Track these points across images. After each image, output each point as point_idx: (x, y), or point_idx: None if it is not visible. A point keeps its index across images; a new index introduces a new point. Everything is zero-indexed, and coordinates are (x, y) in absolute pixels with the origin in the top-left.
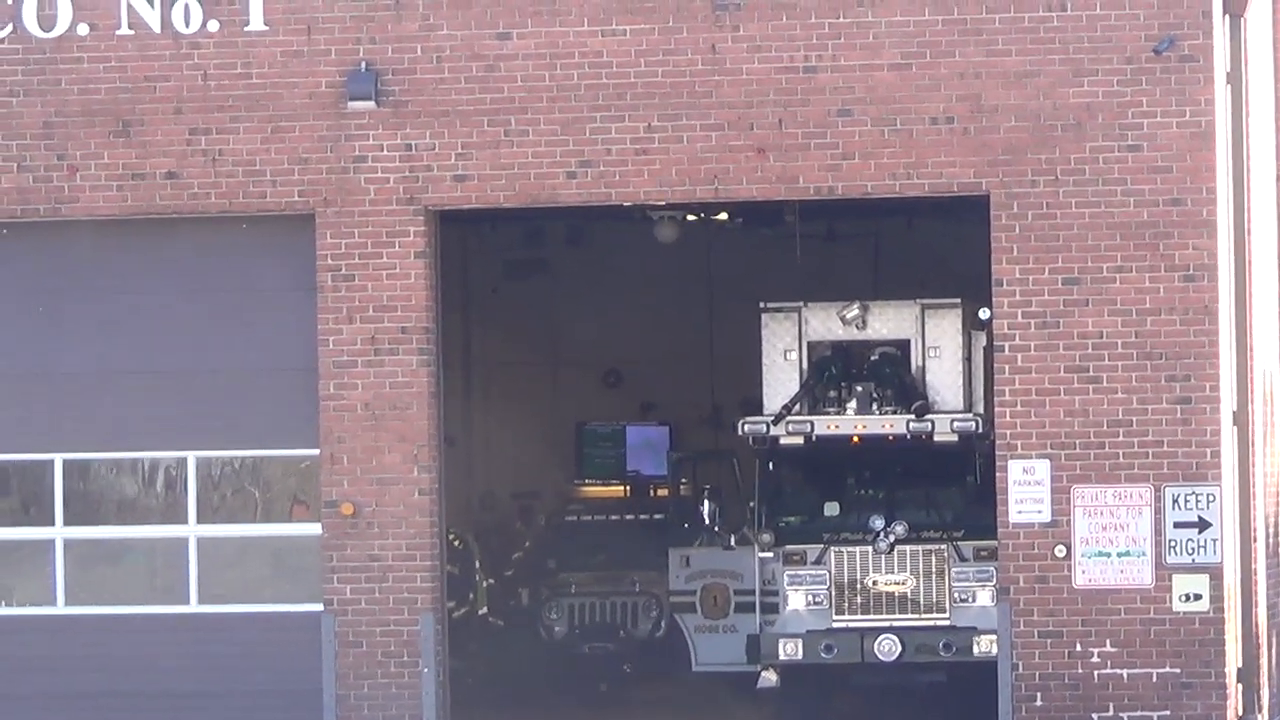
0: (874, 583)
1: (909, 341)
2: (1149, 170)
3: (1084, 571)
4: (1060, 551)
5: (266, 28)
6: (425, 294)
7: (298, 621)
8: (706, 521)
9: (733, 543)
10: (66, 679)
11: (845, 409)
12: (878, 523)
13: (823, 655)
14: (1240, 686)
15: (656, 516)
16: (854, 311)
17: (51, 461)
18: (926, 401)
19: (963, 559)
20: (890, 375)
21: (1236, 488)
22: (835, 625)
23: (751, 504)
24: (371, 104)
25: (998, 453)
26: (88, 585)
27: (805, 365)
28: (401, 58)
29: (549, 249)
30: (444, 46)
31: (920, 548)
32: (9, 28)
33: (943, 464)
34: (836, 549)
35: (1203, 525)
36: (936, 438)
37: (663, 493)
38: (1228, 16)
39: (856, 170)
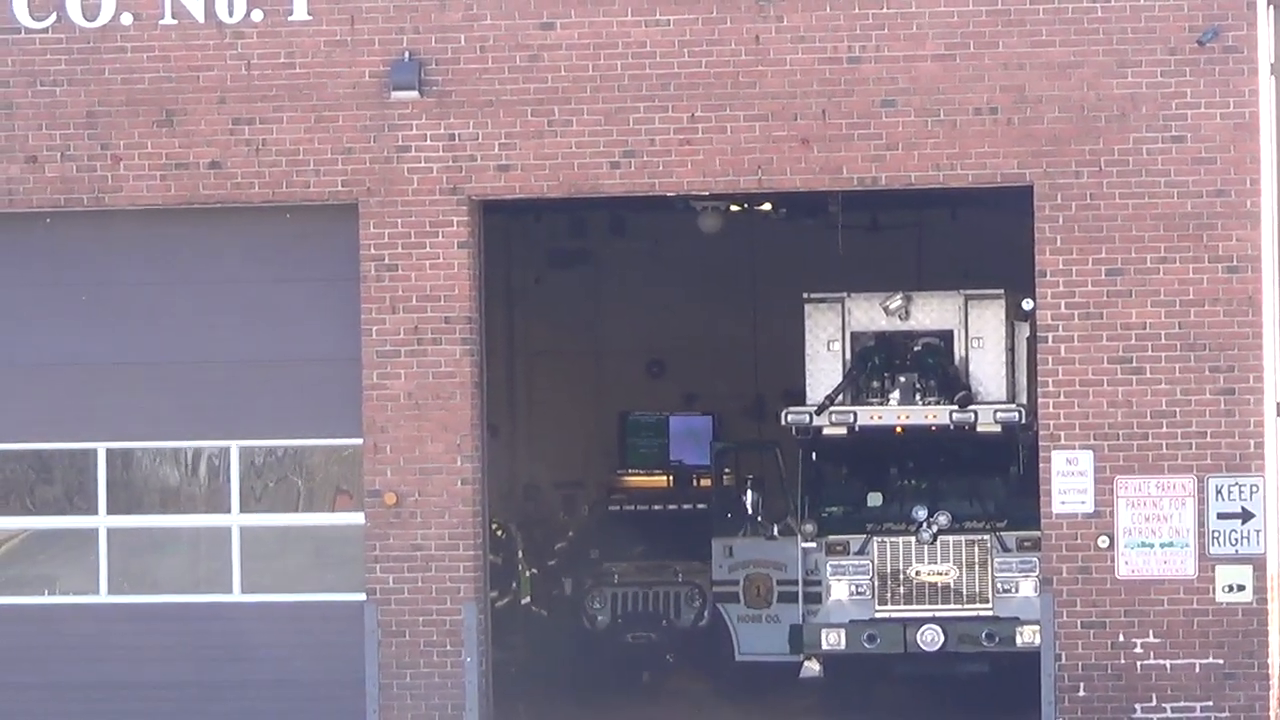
0: (917, 573)
1: (952, 332)
2: (1193, 161)
3: (1127, 562)
4: (1103, 542)
5: (310, 17)
6: (469, 284)
7: (340, 611)
8: (750, 511)
9: (776, 533)
10: (110, 668)
11: (888, 399)
12: (921, 513)
13: (865, 645)
14: None
15: (699, 506)
16: (897, 302)
17: (95, 451)
18: (969, 392)
19: (1006, 549)
20: (933, 366)
21: None
22: (878, 615)
23: (794, 494)
24: (415, 94)
25: (1041, 443)
26: (131, 574)
27: (848, 356)
28: (445, 47)
29: (592, 239)
30: (488, 36)
31: (963, 538)
32: (53, 17)
33: (986, 454)
34: (879, 539)
35: (1246, 516)
36: (979, 428)
37: (706, 483)
38: (1272, 7)
39: (900, 161)
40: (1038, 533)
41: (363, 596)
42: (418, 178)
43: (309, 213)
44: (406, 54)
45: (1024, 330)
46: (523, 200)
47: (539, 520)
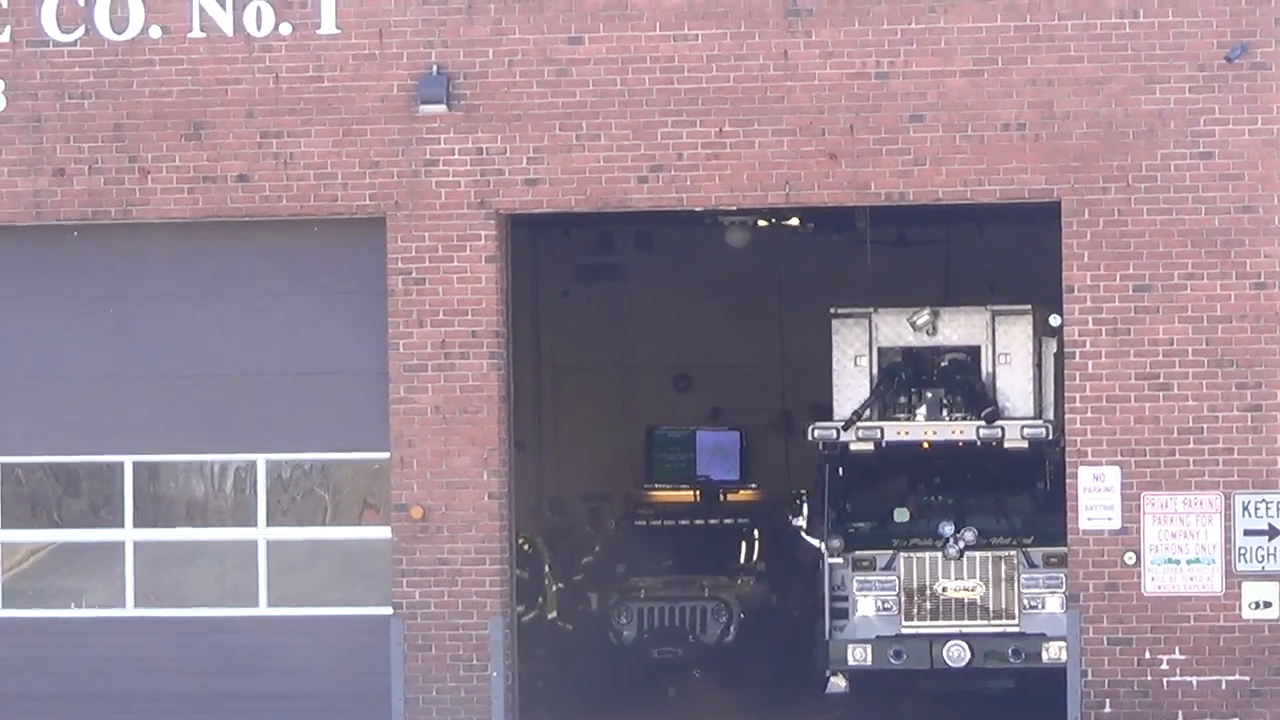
0: (943, 589)
1: (979, 348)
2: (1220, 177)
3: (1154, 578)
4: (1130, 558)
5: (338, 31)
6: (496, 298)
7: (367, 625)
8: (804, 525)
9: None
10: (136, 680)
11: (915, 415)
12: (947, 529)
13: (892, 661)
14: None
15: (726, 521)
16: (924, 317)
17: (122, 464)
18: (997, 408)
19: (1032, 565)
20: (960, 381)
21: None
22: (904, 631)
23: (821, 510)
24: (443, 107)
25: (1068, 459)
26: (157, 587)
27: (875, 371)
28: (473, 61)
29: (620, 253)
30: (515, 50)
31: (990, 554)
32: (81, 30)
33: (1013, 470)
34: (906, 555)
35: (1273, 533)
36: (1006, 444)
37: (734, 497)
38: None
39: (928, 176)
40: (1064, 549)
41: (389, 610)
42: (445, 191)
43: (336, 226)
44: (434, 68)
45: (1051, 346)
46: (550, 214)
47: (566, 535)
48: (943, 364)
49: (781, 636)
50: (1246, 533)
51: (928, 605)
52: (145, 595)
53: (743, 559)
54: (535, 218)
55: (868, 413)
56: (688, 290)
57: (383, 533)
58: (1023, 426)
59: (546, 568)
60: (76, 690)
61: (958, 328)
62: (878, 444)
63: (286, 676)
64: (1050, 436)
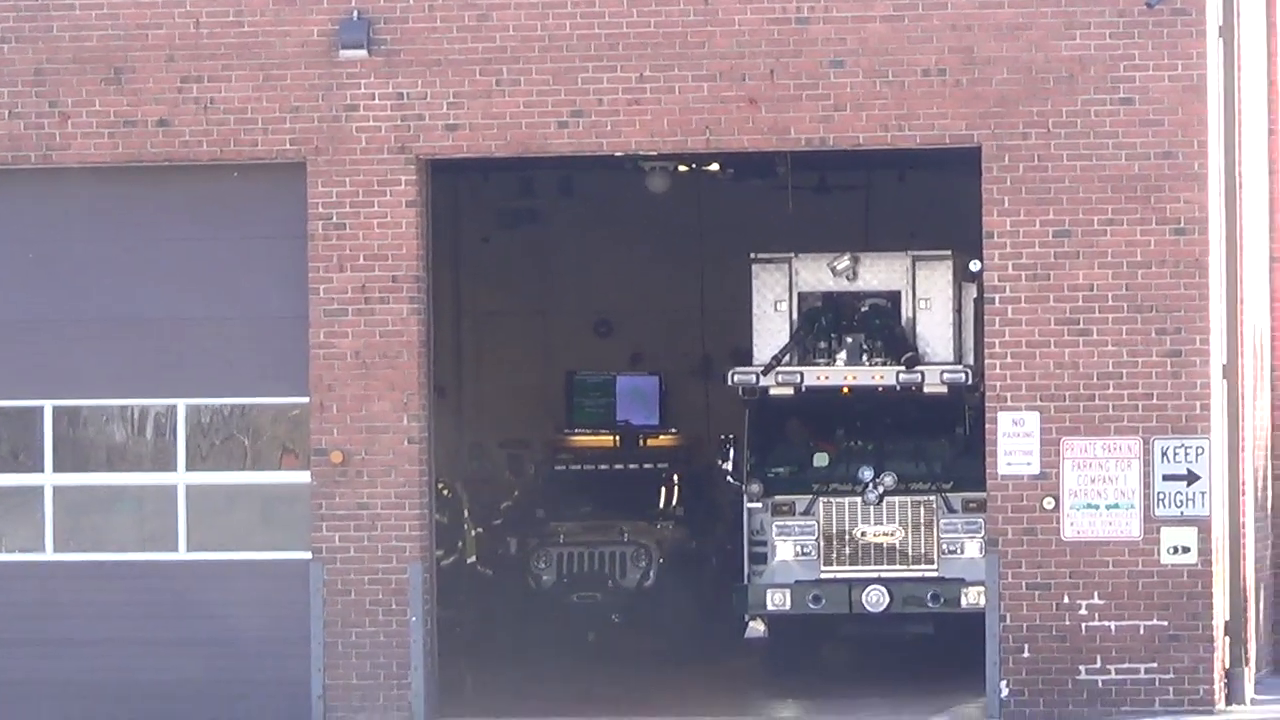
0: (862, 534)
1: (899, 293)
2: (1140, 123)
3: (1072, 524)
4: (1049, 504)
5: None
6: (416, 243)
7: (286, 569)
8: (730, 470)
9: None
10: (55, 625)
11: (835, 360)
12: (867, 474)
13: (810, 606)
14: (1228, 639)
15: (645, 466)
16: (845, 263)
17: (41, 408)
18: (916, 353)
19: (951, 510)
20: (880, 327)
21: (1226, 441)
22: (823, 576)
23: (741, 454)
24: (363, 52)
25: (987, 405)
26: (77, 532)
27: (795, 316)
28: (394, 6)
29: (540, 199)
30: None
31: (909, 499)
32: None
33: (932, 416)
34: (825, 500)
35: (1191, 478)
36: (926, 389)
37: (654, 442)
38: None
39: (848, 122)
40: (983, 494)
41: (308, 555)
42: (366, 136)
43: (257, 171)
44: (355, 13)
45: (971, 291)
46: (471, 160)
47: (485, 480)
48: (863, 309)
49: (700, 581)
50: (1165, 478)
51: (847, 550)
52: (65, 540)
53: (662, 504)
54: (456, 163)
55: (787, 358)
56: (608, 236)
57: (302, 477)
58: (942, 371)
59: (466, 513)
60: None
61: (878, 273)
62: (797, 389)
63: (205, 621)
64: (970, 381)
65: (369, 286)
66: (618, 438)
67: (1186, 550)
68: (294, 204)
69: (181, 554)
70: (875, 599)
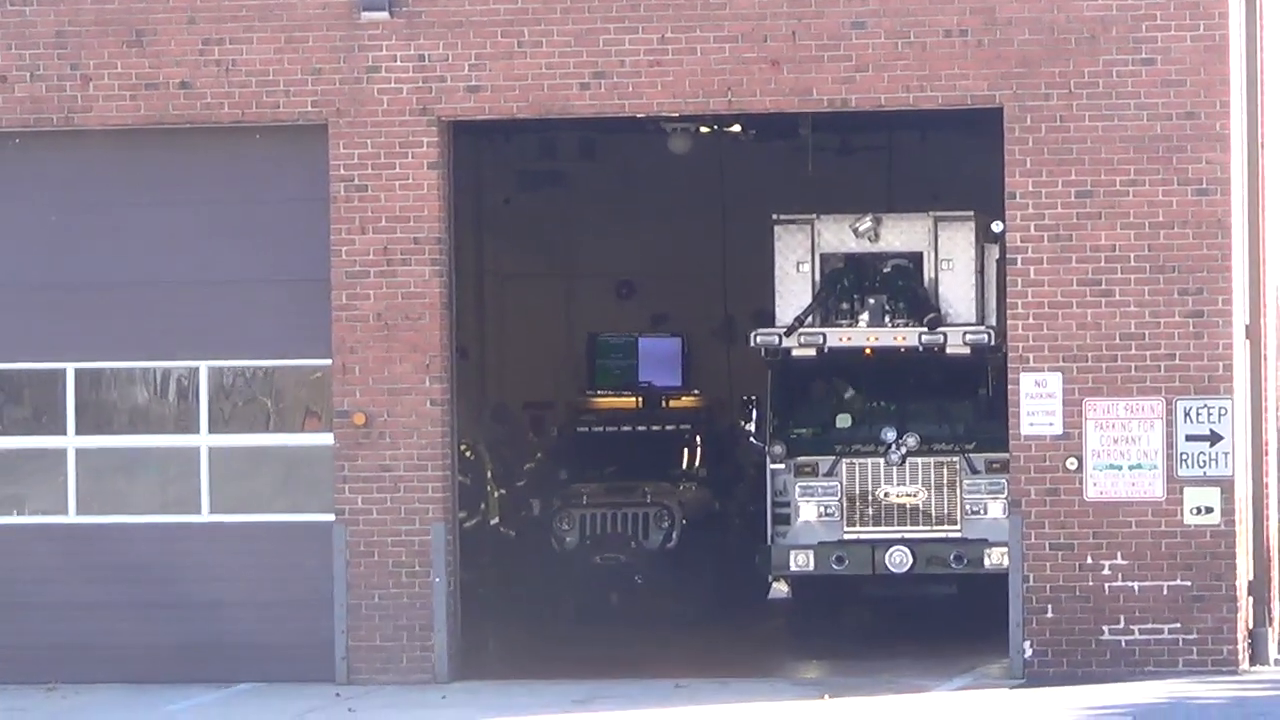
0: (885, 494)
1: (922, 254)
2: (1162, 84)
3: (1095, 484)
4: (1071, 464)
5: None
6: (438, 205)
7: (309, 531)
8: (753, 431)
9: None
10: (78, 588)
11: (857, 321)
12: (890, 435)
13: (834, 567)
14: (1251, 599)
15: (668, 428)
16: (867, 224)
17: (64, 370)
18: (939, 314)
19: (974, 471)
20: (903, 288)
21: (1248, 401)
22: (846, 537)
23: (764, 416)
24: (385, 14)
25: (1010, 365)
26: (100, 494)
27: (818, 277)
28: None
29: (562, 161)
30: None
31: (932, 460)
32: None
33: (955, 376)
34: (848, 460)
35: (1214, 438)
36: (949, 350)
37: (676, 404)
38: None
39: (870, 83)
40: (1006, 455)
41: (331, 517)
42: (387, 98)
43: (279, 133)
44: None
45: (994, 252)
46: (492, 121)
47: (508, 441)
48: (885, 270)
49: (723, 543)
50: (1188, 438)
51: (870, 511)
52: (88, 502)
53: (684, 465)
54: (478, 125)
55: (810, 319)
56: (630, 197)
57: (325, 439)
58: (965, 332)
59: (489, 474)
60: (18, 599)
61: (900, 234)
62: (820, 350)
63: (228, 583)
64: (992, 342)
65: (391, 248)
66: (640, 399)
67: (1210, 510)
68: (316, 166)
69: (204, 516)
70: (898, 560)
